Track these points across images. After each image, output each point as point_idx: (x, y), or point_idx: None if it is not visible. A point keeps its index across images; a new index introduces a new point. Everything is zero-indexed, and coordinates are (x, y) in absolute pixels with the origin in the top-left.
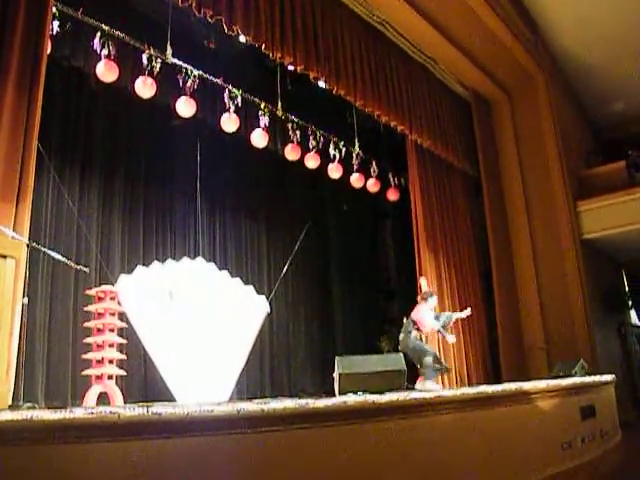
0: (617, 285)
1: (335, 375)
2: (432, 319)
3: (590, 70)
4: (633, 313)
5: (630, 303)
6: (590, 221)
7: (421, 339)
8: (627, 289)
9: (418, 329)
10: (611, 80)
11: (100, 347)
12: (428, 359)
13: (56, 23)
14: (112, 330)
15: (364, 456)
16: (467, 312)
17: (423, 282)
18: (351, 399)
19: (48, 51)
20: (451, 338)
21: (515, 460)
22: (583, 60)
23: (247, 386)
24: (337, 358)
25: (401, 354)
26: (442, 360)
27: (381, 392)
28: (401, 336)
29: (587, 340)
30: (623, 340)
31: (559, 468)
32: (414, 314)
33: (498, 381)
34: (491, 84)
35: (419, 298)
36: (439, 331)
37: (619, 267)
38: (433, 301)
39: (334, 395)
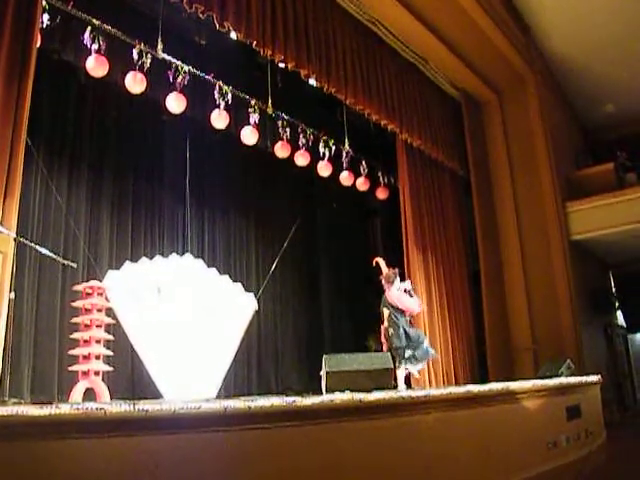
0: (604, 286)
1: (322, 373)
2: (409, 298)
3: (581, 72)
4: (619, 314)
5: (617, 304)
6: (579, 222)
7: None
8: (614, 290)
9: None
10: (601, 82)
11: (87, 343)
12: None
13: (46, 16)
14: (99, 326)
15: (351, 454)
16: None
17: (381, 262)
18: (338, 397)
19: (38, 44)
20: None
21: (501, 459)
22: (574, 62)
23: (234, 383)
24: (324, 356)
25: (388, 353)
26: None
27: (368, 390)
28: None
29: (574, 340)
30: (609, 341)
31: (544, 467)
32: (391, 301)
33: (485, 381)
34: (481, 84)
35: (383, 282)
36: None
37: (606, 268)
38: (399, 282)
39: (321, 393)
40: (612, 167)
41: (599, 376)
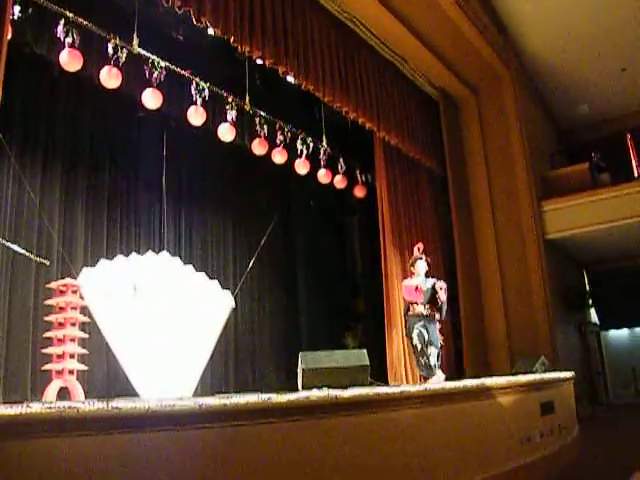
0: (578, 284)
1: (299, 370)
2: (412, 293)
3: (556, 72)
4: (593, 312)
5: (590, 302)
6: (553, 221)
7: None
8: (588, 288)
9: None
10: (577, 83)
11: (61, 341)
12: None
13: (17, 7)
14: (74, 324)
15: (327, 451)
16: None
17: (416, 249)
18: (314, 394)
19: (9, 37)
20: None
21: (476, 454)
22: (550, 62)
23: (212, 381)
24: (301, 353)
25: (364, 350)
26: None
27: (344, 387)
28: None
29: (548, 337)
30: (583, 338)
31: (518, 462)
32: (403, 291)
33: (461, 377)
34: (459, 83)
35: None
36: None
37: (580, 267)
38: (421, 267)
39: (298, 390)
40: (587, 167)
41: (572, 372)
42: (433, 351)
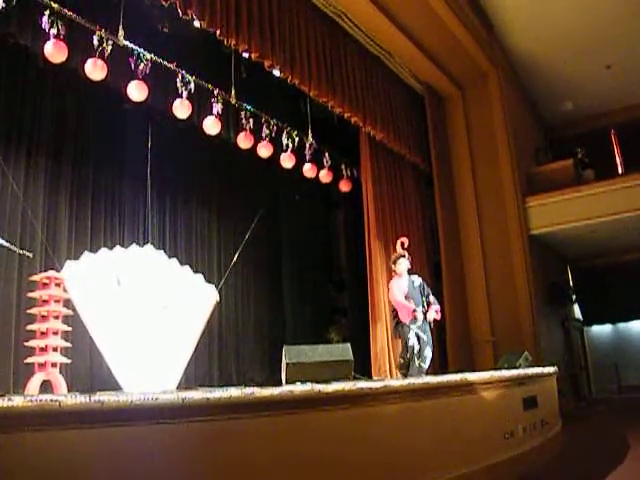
0: (562, 280)
1: (283, 364)
2: (402, 299)
3: (542, 69)
4: (576, 307)
5: (574, 298)
6: (538, 217)
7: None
8: (571, 284)
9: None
10: (561, 79)
11: (44, 334)
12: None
13: None
14: (57, 317)
15: (310, 445)
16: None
17: (398, 244)
18: (297, 388)
19: None
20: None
21: (459, 449)
22: (535, 59)
23: (195, 375)
24: (285, 347)
25: (348, 344)
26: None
27: (328, 382)
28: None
29: (532, 333)
30: (566, 333)
31: (501, 457)
32: (390, 295)
33: (445, 372)
34: (445, 79)
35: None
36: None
37: (564, 262)
38: (403, 265)
39: (281, 384)
40: (571, 163)
41: (556, 367)
42: (428, 353)
